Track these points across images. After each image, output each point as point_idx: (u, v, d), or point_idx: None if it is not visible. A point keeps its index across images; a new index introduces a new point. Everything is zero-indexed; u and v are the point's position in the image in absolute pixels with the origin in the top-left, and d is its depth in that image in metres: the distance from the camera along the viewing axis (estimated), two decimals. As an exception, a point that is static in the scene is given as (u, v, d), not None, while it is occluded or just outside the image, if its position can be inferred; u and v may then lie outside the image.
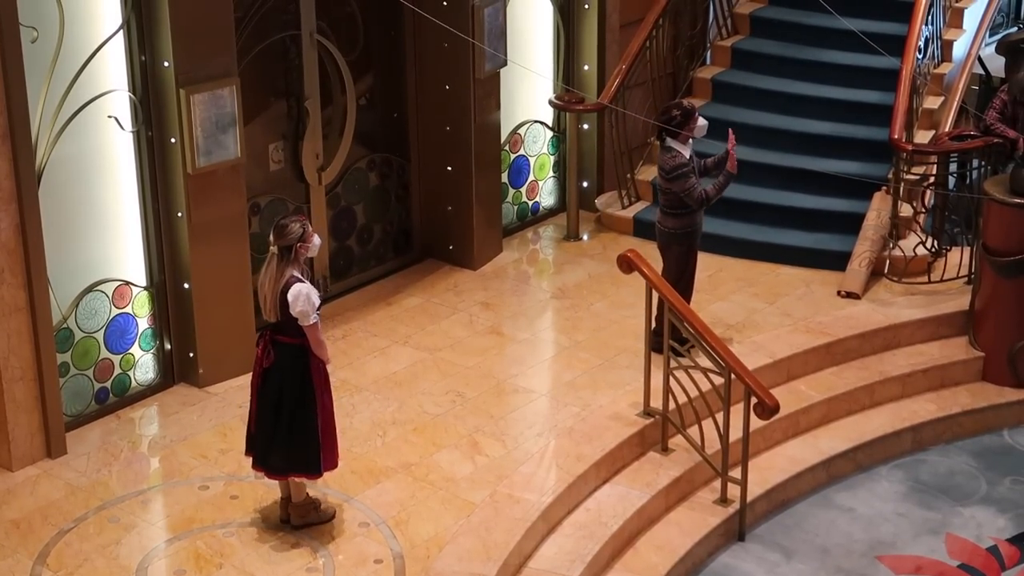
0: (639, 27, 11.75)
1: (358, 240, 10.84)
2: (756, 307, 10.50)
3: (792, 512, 9.05)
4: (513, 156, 11.75)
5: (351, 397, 9.29)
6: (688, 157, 9.40)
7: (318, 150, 10.26)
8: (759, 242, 11.26)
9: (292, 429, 7.71)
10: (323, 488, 8.26)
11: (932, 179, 10.87)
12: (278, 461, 7.78)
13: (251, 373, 7.86)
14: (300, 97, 10.08)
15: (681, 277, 9.45)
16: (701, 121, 9.47)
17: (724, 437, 8.56)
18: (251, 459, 7.91)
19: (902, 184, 10.87)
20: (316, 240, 7.67)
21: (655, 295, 8.88)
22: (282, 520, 8.02)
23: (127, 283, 9.06)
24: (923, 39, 11.48)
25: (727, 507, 8.71)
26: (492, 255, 11.29)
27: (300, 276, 7.60)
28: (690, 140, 9.45)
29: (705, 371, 8.65)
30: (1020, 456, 9.69)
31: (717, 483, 8.75)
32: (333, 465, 7.93)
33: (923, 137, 11.49)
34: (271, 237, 7.58)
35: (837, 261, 10.91)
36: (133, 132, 8.89)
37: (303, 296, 7.51)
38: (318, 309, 7.62)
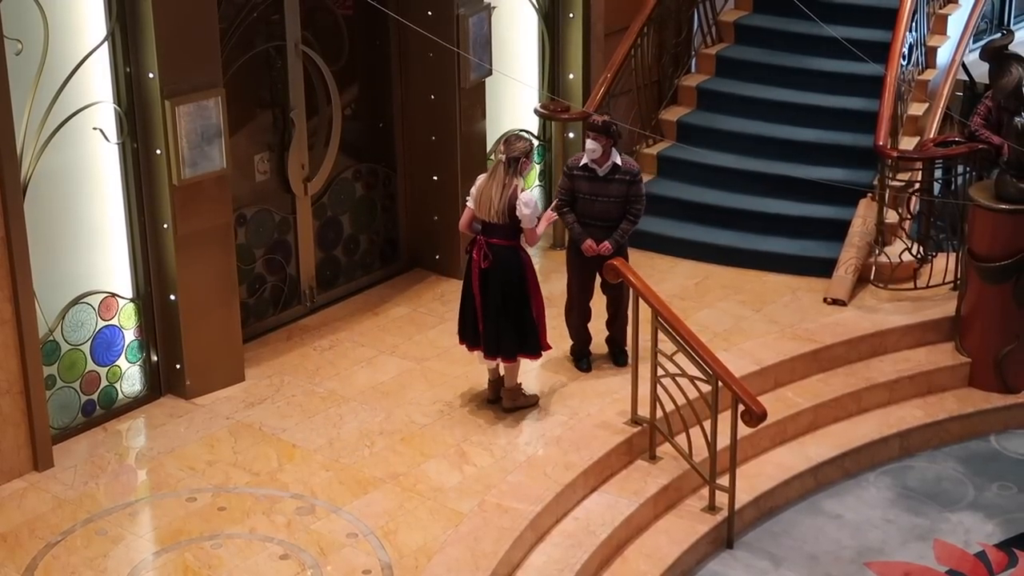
0: (624, 36, 11.75)
1: (344, 250, 10.83)
2: (743, 314, 10.51)
3: (780, 519, 9.06)
4: (499, 165, 11.74)
5: (338, 408, 9.28)
6: (581, 162, 9.31)
7: (304, 160, 10.25)
8: (745, 249, 11.27)
9: (522, 317, 8.87)
10: (312, 499, 8.26)
11: (917, 185, 10.91)
12: (510, 346, 8.92)
13: (465, 277, 8.93)
14: (285, 108, 10.08)
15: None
16: (589, 144, 9.32)
17: (712, 445, 8.57)
18: (479, 352, 9.02)
19: (887, 190, 10.89)
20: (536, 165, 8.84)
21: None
22: (489, 400, 9.19)
23: (113, 295, 9.05)
24: (907, 46, 11.50)
25: (715, 515, 8.71)
26: (479, 264, 11.28)
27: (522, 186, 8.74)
28: (608, 150, 9.24)
29: (692, 379, 8.65)
30: (1007, 461, 9.71)
31: (705, 491, 8.76)
32: (548, 346, 9.12)
33: (908, 143, 11.51)
34: (501, 147, 8.78)
35: (823, 268, 10.93)
36: (118, 144, 8.87)
37: (532, 203, 8.68)
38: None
